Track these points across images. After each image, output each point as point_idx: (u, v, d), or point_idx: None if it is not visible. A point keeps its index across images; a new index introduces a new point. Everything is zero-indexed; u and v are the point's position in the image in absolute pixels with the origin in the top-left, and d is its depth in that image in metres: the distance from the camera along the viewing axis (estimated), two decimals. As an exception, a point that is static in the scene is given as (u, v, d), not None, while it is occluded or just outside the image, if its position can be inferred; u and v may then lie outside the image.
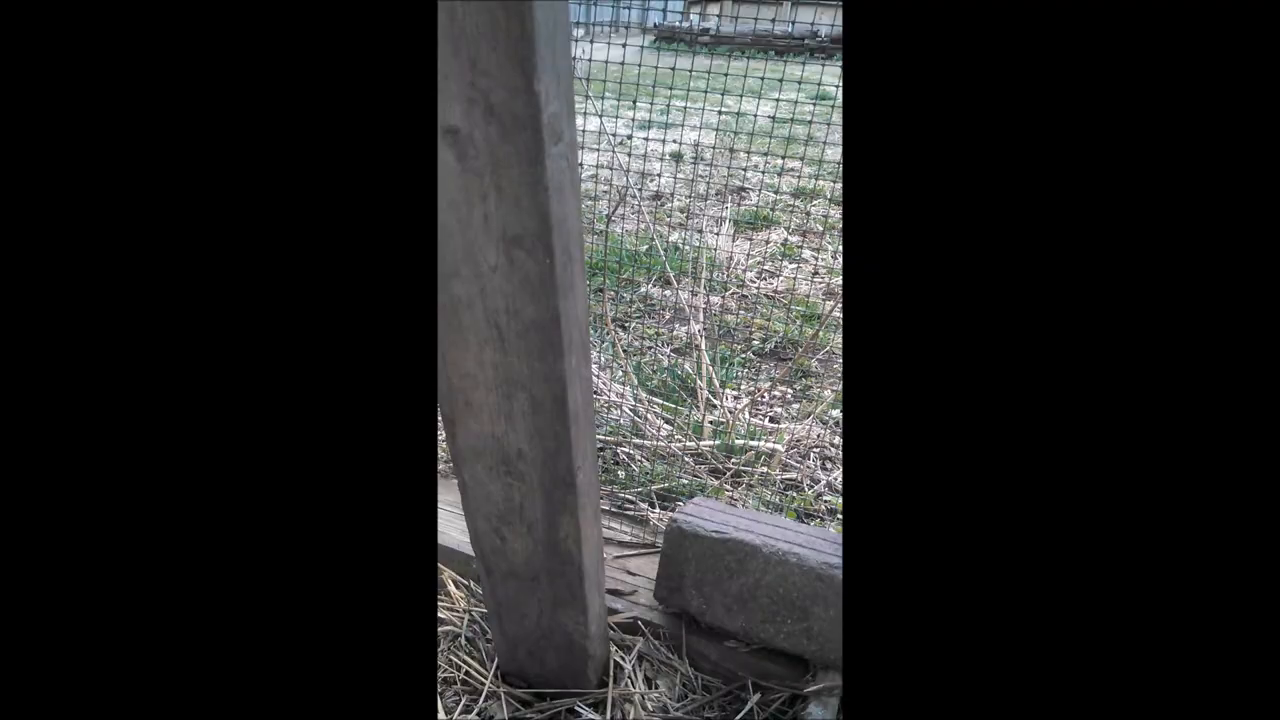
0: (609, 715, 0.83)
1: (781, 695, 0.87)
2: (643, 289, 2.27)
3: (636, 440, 1.30)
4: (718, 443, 1.30)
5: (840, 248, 2.72)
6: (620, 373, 1.58)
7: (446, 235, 0.56)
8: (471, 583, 1.01)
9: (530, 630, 0.84)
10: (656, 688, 0.88)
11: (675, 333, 2.01)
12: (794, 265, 2.59)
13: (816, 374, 1.78)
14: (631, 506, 1.15)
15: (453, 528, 1.07)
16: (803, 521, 1.20)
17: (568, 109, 0.53)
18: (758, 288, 2.33)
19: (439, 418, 0.70)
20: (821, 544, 0.88)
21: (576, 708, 0.84)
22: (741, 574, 0.88)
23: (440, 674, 0.89)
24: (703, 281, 2.21)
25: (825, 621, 0.86)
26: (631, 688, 0.85)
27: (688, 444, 1.29)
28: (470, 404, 0.66)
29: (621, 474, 1.23)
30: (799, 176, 3.72)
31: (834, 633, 0.86)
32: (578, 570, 0.75)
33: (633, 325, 2.04)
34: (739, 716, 0.85)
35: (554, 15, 0.48)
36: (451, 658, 0.91)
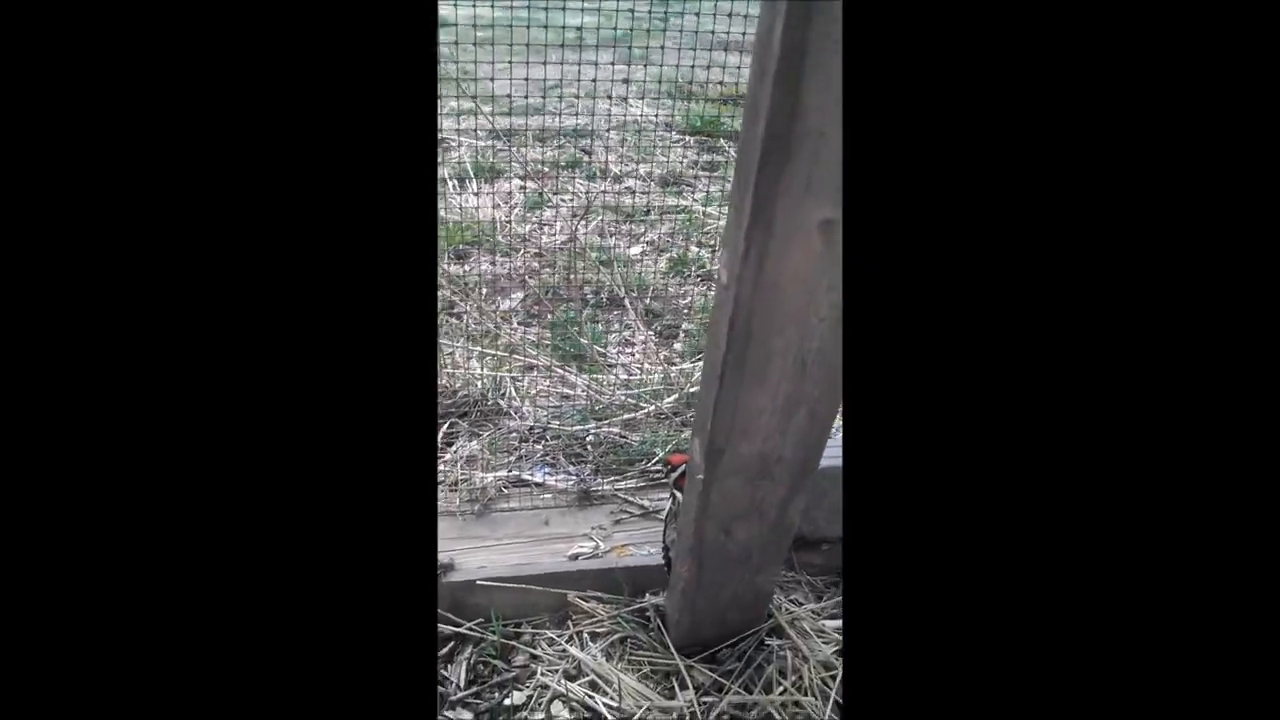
0: (789, 635, 1.02)
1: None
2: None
3: (626, 417, 1.42)
4: (676, 396, 1.48)
5: (584, 185, 2.89)
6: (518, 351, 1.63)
7: (783, 299, 0.67)
8: (597, 594, 1.09)
9: (724, 601, 0.98)
10: (799, 603, 1.09)
11: (503, 307, 2.05)
12: (550, 210, 2.71)
13: (659, 313, 2.00)
14: (664, 474, 1.29)
15: (521, 556, 1.11)
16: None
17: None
18: (545, 243, 2.42)
19: (700, 449, 0.80)
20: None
21: (764, 642, 1.02)
22: (834, 491, 1.11)
23: (639, 672, 0.99)
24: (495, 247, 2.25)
25: (891, 504, 1.14)
26: (794, 609, 1.05)
27: (658, 405, 1.45)
28: (747, 431, 0.77)
29: (631, 448, 1.35)
30: (477, 115, 3.72)
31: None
32: (790, 535, 0.92)
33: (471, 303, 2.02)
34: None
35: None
36: (632, 658, 1.00)
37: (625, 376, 1.61)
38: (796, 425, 0.78)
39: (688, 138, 3.43)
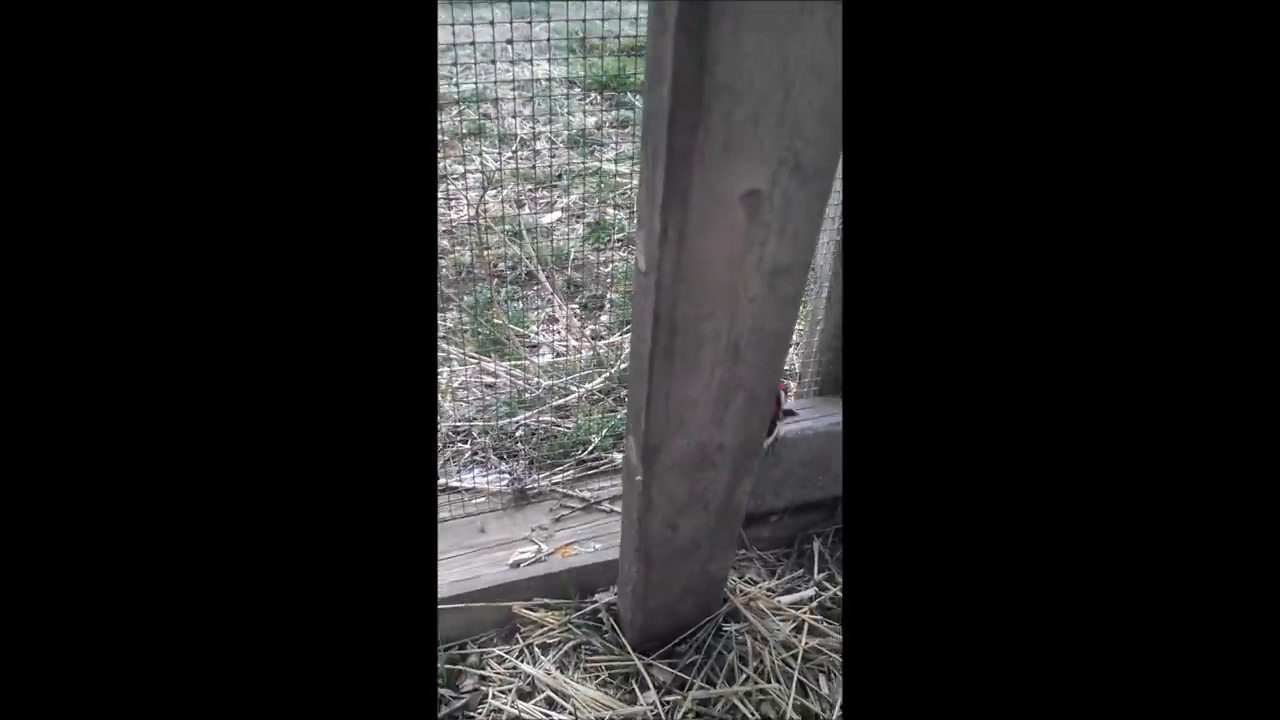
0: (745, 618, 0.98)
1: (829, 531, 1.11)
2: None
3: (557, 403, 1.34)
4: (607, 374, 1.41)
5: (483, 151, 2.75)
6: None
7: (709, 280, 0.60)
8: (536, 603, 1.03)
9: (674, 595, 0.92)
10: (754, 582, 1.05)
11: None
12: (455, 184, 2.57)
13: (581, 284, 1.91)
14: (602, 461, 1.22)
15: (461, 570, 1.04)
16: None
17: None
18: (454, 219, 2.29)
19: (636, 449, 0.73)
20: (815, 412, 1.10)
21: (721, 628, 0.97)
22: (777, 463, 1.06)
23: (597, 680, 0.93)
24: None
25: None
26: (748, 588, 1.01)
27: (589, 388, 1.38)
28: (683, 423, 0.71)
29: (565, 436, 1.27)
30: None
31: (844, 472, 1.11)
32: (739, 519, 0.87)
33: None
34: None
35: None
36: (588, 665, 0.95)
37: (551, 357, 1.53)
38: (735, 411, 0.72)
39: (593, 94, 3.30)
